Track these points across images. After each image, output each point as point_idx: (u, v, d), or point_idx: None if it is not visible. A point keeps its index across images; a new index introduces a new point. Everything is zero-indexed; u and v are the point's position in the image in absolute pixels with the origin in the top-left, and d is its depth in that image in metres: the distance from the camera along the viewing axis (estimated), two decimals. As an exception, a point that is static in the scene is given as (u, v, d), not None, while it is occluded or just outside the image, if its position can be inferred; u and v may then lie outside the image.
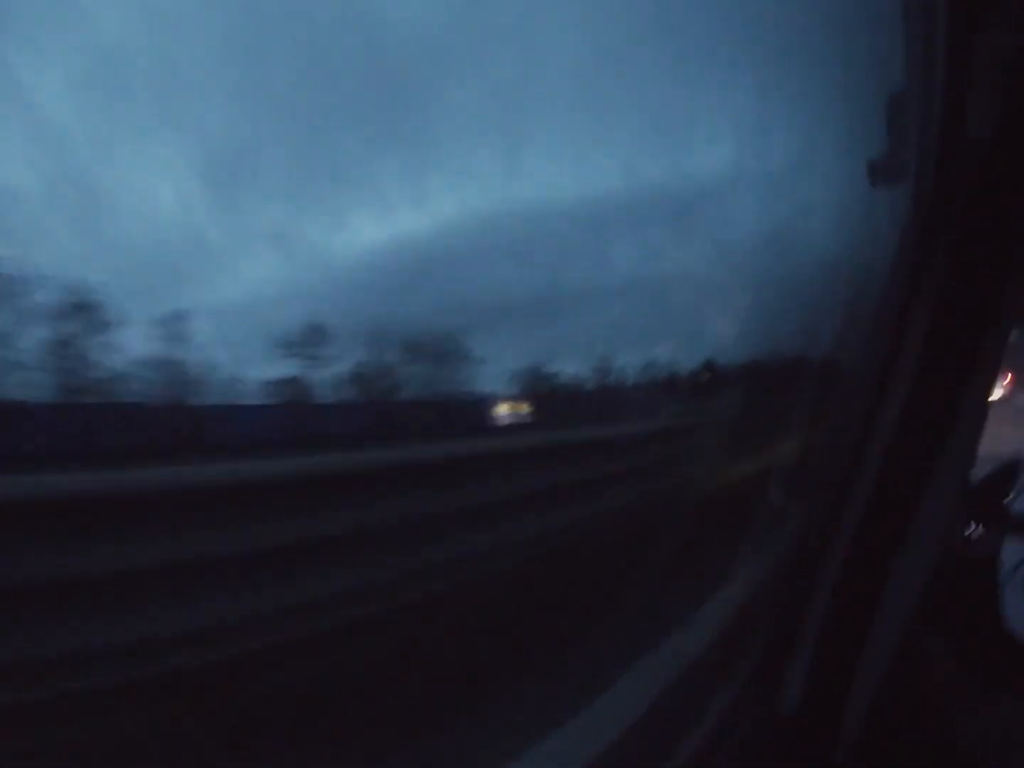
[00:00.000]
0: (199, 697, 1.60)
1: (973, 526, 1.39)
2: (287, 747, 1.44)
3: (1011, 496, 1.36)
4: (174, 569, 1.75)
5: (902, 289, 0.94)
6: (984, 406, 0.93)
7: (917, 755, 1.05)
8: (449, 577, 2.41)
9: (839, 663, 0.95)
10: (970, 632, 1.35)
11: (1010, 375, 9.39)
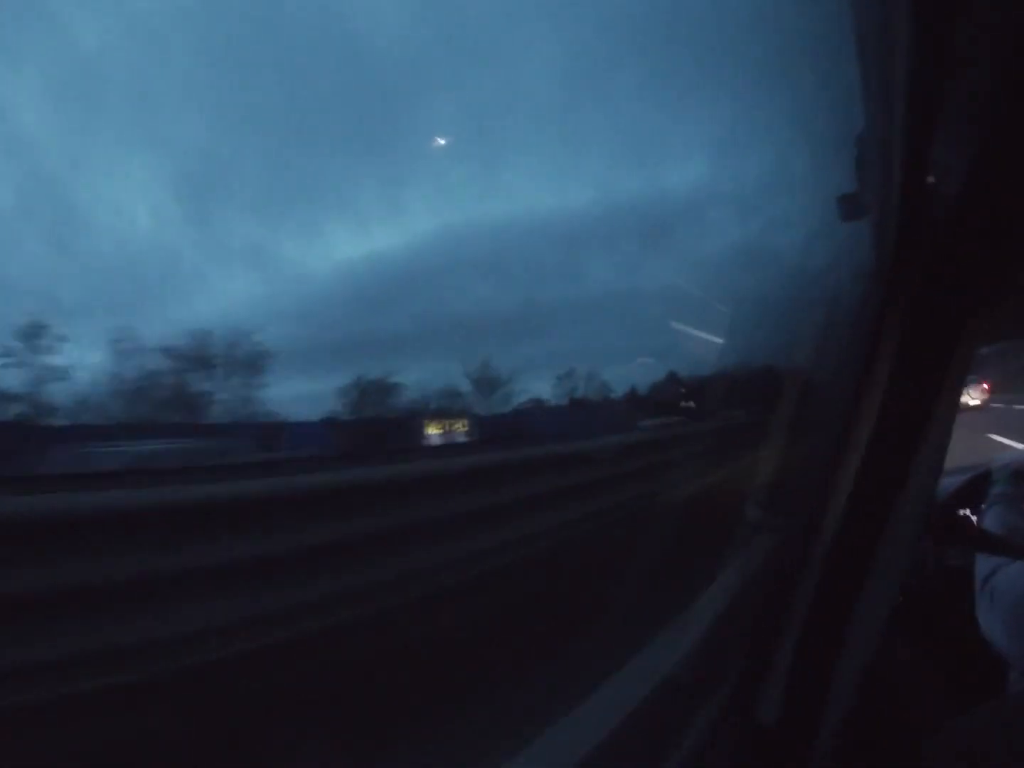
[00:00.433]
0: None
1: (944, 539, 1.43)
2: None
3: (981, 507, 1.40)
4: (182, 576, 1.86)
5: (873, 309, 0.99)
6: (950, 423, 0.98)
7: (893, 762, 1.09)
8: (435, 583, 2.49)
9: (816, 673, 0.98)
10: (944, 642, 1.39)
11: (986, 384, 9.58)
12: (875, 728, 1.06)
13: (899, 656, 1.39)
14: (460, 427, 15.24)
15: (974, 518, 1.48)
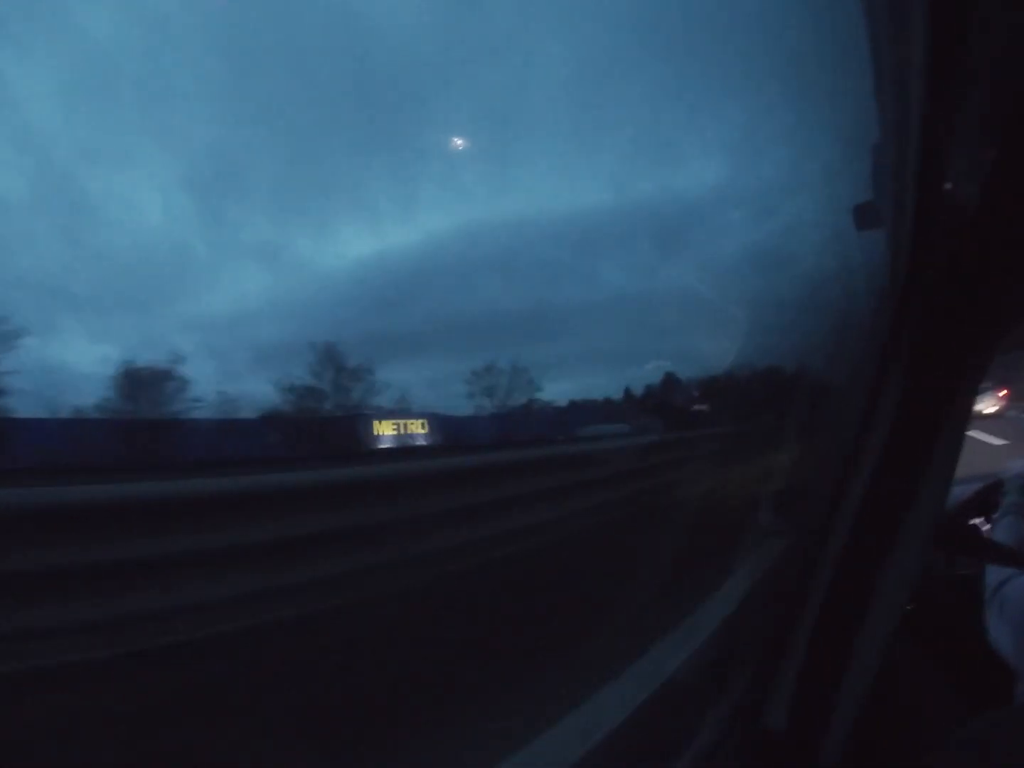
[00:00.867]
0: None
1: (954, 548, 1.42)
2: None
3: (993, 517, 1.39)
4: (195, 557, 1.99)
5: (887, 317, 0.99)
6: (962, 432, 0.98)
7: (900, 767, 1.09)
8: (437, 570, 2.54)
9: (825, 680, 0.98)
10: (953, 651, 1.38)
11: (1005, 391, 9.39)
12: (883, 736, 1.06)
13: (907, 664, 1.39)
14: (418, 428, 14.10)
15: (985, 528, 1.47)
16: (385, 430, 13.44)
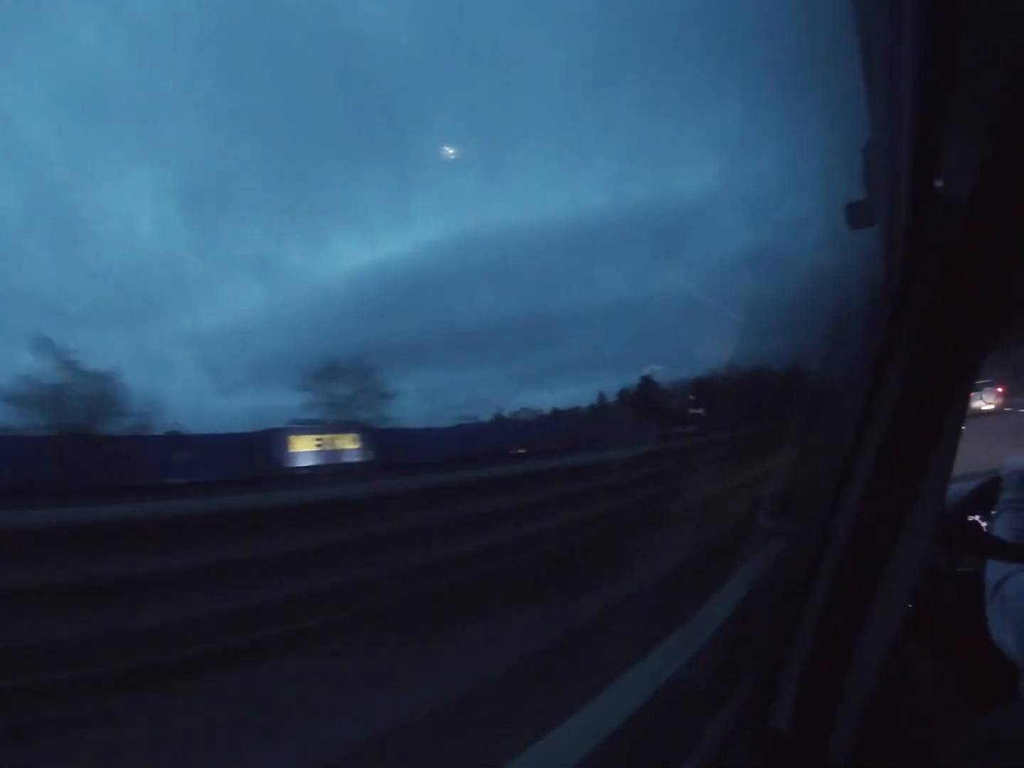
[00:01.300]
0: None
1: (955, 545, 1.43)
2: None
3: (992, 513, 1.39)
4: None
5: (883, 316, 0.99)
6: (959, 429, 0.98)
7: (907, 766, 1.09)
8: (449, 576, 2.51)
9: (829, 680, 0.98)
10: (955, 648, 1.38)
11: (1001, 388, 9.40)
12: (888, 734, 1.06)
13: (911, 662, 1.39)
14: (347, 443, 11.91)
15: (984, 524, 1.48)
16: (303, 446, 11.58)
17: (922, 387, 0.96)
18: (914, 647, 1.42)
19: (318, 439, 11.49)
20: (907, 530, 0.95)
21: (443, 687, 1.78)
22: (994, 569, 1.21)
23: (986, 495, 1.48)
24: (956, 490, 1.58)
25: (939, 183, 0.84)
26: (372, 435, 12.48)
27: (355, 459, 11.83)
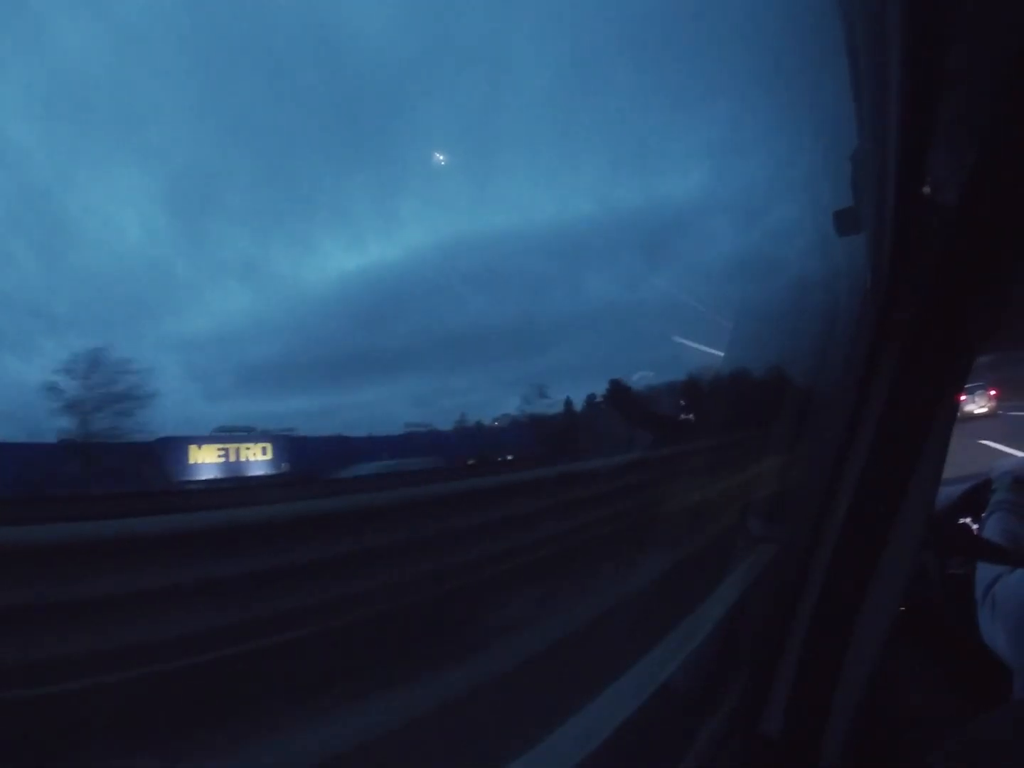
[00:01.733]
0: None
1: (945, 548, 1.43)
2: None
3: (982, 516, 1.40)
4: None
5: (871, 321, 1.00)
6: (948, 433, 0.99)
7: None
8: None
9: (820, 684, 0.98)
10: (947, 651, 1.39)
11: (993, 391, 9.44)
12: (879, 737, 1.06)
13: (902, 666, 1.39)
14: (256, 454, 10.46)
15: (975, 527, 1.48)
16: (205, 457, 10.20)
17: (910, 391, 0.96)
18: (905, 650, 1.42)
19: (221, 449, 10.46)
20: (897, 533, 0.96)
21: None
22: (984, 571, 1.22)
23: (976, 498, 1.49)
24: (946, 493, 1.59)
25: (926, 190, 0.85)
26: (291, 445, 11.30)
27: (264, 472, 10.73)
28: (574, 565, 2.84)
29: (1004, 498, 1.35)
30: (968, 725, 0.87)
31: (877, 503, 0.97)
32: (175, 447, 9.96)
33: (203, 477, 10.03)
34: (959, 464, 1.50)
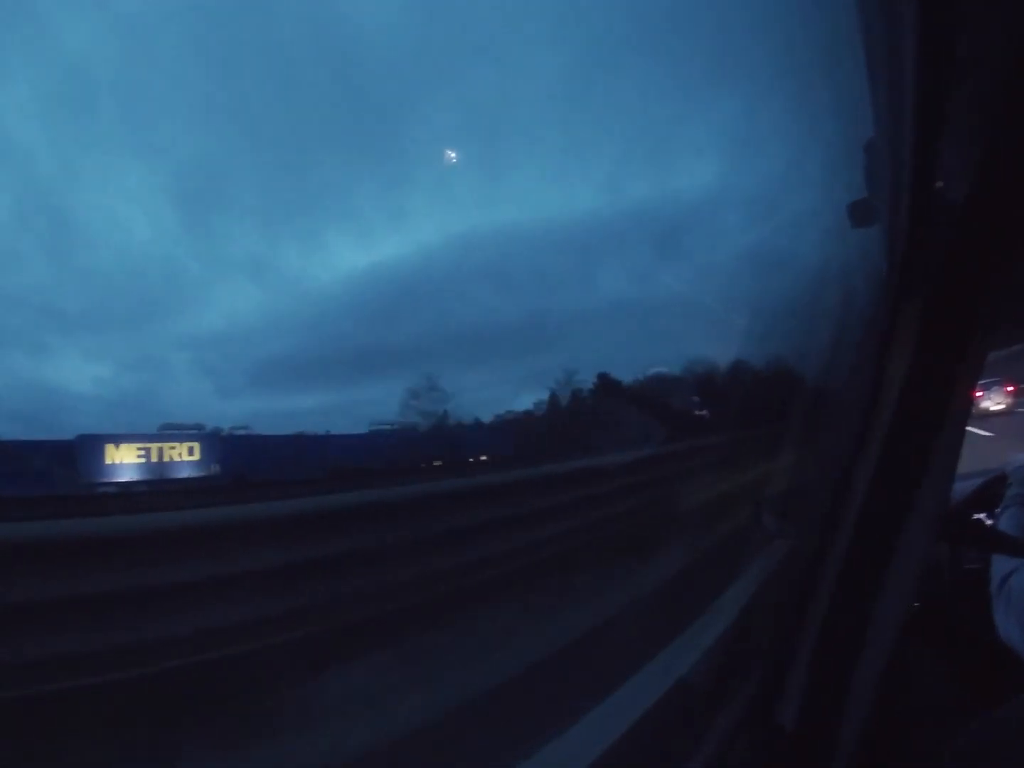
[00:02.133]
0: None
1: (960, 542, 1.43)
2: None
3: (996, 511, 1.39)
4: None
5: (885, 315, 0.99)
6: (963, 427, 0.98)
7: (911, 765, 1.09)
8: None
9: (835, 677, 0.98)
10: (961, 645, 1.38)
11: (1010, 387, 9.31)
12: (894, 731, 1.06)
13: (916, 659, 1.39)
14: (182, 454, 9.54)
15: (989, 522, 1.48)
16: (123, 457, 9.30)
17: (924, 385, 0.96)
18: (919, 644, 1.42)
19: (141, 449, 9.77)
20: (911, 528, 0.95)
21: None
22: (1000, 564, 1.21)
23: (991, 492, 1.48)
24: (961, 488, 1.58)
25: (939, 183, 0.84)
26: (223, 445, 10.58)
27: (189, 474, 10.05)
28: (584, 563, 2.83)
29: (1020, 492, 1.35)
30: (982, 720, 0.87)
31: (891, 498, 0.97)
32: (92, 446, 9.30)
33: (119, 479, 9.34)
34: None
